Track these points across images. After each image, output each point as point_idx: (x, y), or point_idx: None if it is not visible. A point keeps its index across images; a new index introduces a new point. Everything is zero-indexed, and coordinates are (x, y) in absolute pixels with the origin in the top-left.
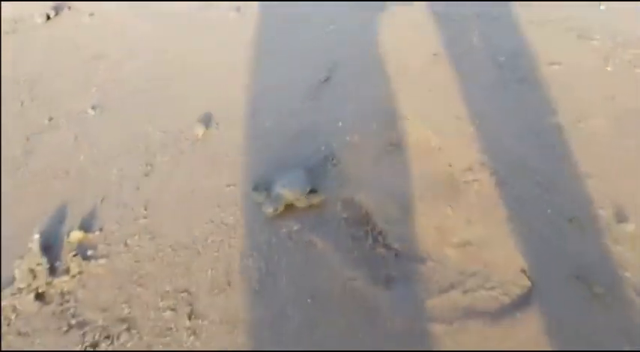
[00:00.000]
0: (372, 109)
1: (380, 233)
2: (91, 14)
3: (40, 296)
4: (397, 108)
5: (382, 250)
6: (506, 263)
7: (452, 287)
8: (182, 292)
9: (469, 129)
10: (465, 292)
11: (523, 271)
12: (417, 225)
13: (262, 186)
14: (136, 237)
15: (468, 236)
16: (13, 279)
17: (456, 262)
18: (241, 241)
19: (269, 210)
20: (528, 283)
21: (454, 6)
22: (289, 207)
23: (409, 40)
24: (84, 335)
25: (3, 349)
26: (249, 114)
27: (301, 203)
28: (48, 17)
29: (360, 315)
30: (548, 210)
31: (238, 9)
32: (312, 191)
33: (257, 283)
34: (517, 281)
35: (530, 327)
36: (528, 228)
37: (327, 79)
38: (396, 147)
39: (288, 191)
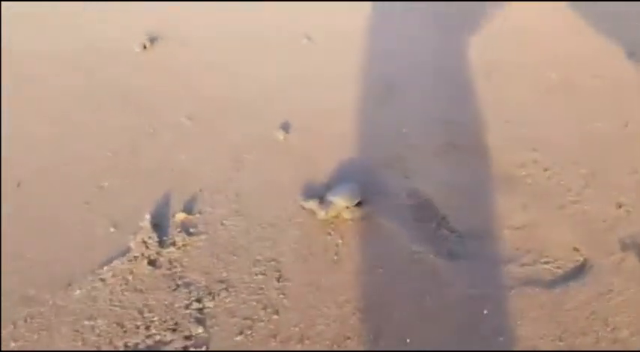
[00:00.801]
0: (432, 116)
1: (443, 218)
2: (183, 43)
3: (152, 263)
4: (455, 115)
5: (445, 231)
6: (560, 242)
7: (509, 261)
8: (271, 261)
9: (521, 131)
10: (522, 265)
11: (575, 249)
12: (476, 211)
13: (314, 195)
14: (230, 218)
15: (523, 219)
16: (128, 250)
17: (513, 241)
18: (319, 222)
19: (321, 213)
20: (580, 258)
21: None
22: (337, 217)
23: (462, 57)
24: (190, 292)
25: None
26: (323, 122)
27: (347, 214)
28: (144, 46)
29: (425, 282)
30: (595, 198)
31: (309, 39)
32: (359, 204)
33: (335, 255)
34: (570, 257)
35: (581, 294)
36: (579, 212)
37: (390, 91)
38: (454, 147)
39: (338, 199)
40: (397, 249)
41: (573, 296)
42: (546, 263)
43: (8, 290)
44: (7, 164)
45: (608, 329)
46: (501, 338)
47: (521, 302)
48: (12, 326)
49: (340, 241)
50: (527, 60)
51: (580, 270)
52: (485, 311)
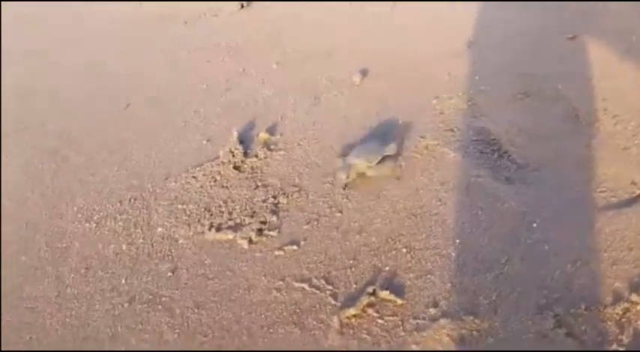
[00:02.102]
0: (506, 68)
1: (505, 152)
2: (274, 4)
3: (236, 168)
4: (531, 68)
5: (506, 162)
6: (619, 176)
7: (566, 188)
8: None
9: (594, 83)
10: (577, 192)
11: (633, 183)
12: (540, 149)
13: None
14: (306, 140)
15: (586, 157)
16: (217, 157)
17: (572, 173)
18: None
19: (342, 176)
20: (637, 191)
21: None
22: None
23: (541, 23)
24: (267, 191)
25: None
26: (399, 70)
27: (372, 172)
28: (242, 6)
29: (480, 199)
30: None
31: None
32: (384, 159)
33: (398, 174)
34: (626, 189)
35: (633, 218)
36: None
37: (470, 45)
38: (527, 95)
39: (359, 160)
40: (457, 173)
41: (624, 220)
42: (602, 192)
43: (116, 181)
44: (118, 91)
45: None
46: (546, 247)
47: (571, 219)
48: (119, 204)
49: (403, 163)
50: (615, 27)
51: (635, 201)
52: (534, 225)
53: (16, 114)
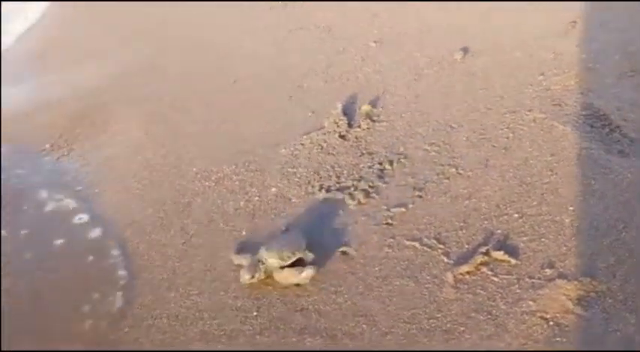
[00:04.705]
0: (613, 46)
1: (617, 127)
2: None
3: (341, 137)
4: (636, 46)
5: (618, 135)
6: None
7: None
8: (446, 144)
9: None
10: None
11: None
12: None
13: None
14: (409, 113)
15: None
16: (322, 127)
17: None
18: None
19: (245, 276)
20: None
21: None
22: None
23: None
24: (372, 158)
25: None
26: (500, 49)
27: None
28: None
29: (593, 170)
30: None
31: None
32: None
33: (506, 143)
34: None
35: None
36: None
37: (574, 25)
38: (635, 72)
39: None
40: (567, 145)
41: None
42: None
43: (229, 146)
44: (225, 67)
45: None
46: None
47: None
48: (234, 166)
49: (511, 134)
50: None
51: None
52: None
53: (132, 87)
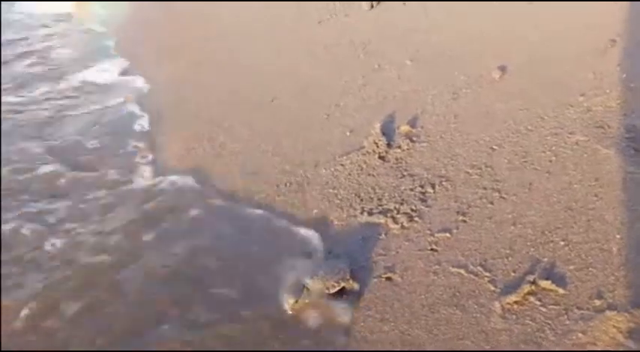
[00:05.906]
0: None
1: None
2: (404, 3)
3: (381, 157)
4: None
5: None
6: None
7: None
8: (487, 167)
9: None
10: None
11: None
12: None
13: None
14: (448, 134)
15: None
16: (362, 147)
17: None
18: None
19: (290, 300)
20: None
21: None
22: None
23: None
24: (413, 181)
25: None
26: (539, 67)
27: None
28: (372, 6)
29: (637, 194)
30: None
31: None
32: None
33: (548, 166)
34: None
35: None
36: None
37: (613, 43)
38: None
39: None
40: (611, 169)
41: None
42: None
43: (271, 166)
44: (263, 85)
45: None
46: None
47: None
48: (276, 186)
49: (554, 158)
50: None
51: None
52: None
53: (171, 104)
